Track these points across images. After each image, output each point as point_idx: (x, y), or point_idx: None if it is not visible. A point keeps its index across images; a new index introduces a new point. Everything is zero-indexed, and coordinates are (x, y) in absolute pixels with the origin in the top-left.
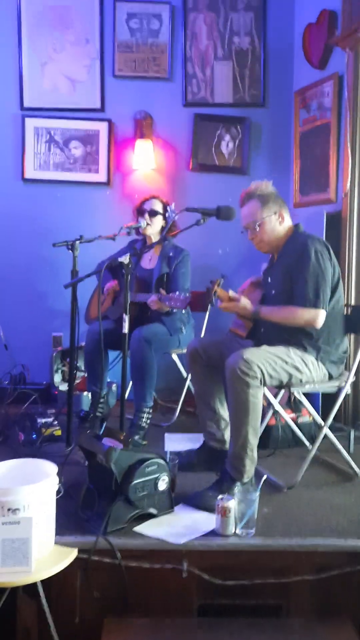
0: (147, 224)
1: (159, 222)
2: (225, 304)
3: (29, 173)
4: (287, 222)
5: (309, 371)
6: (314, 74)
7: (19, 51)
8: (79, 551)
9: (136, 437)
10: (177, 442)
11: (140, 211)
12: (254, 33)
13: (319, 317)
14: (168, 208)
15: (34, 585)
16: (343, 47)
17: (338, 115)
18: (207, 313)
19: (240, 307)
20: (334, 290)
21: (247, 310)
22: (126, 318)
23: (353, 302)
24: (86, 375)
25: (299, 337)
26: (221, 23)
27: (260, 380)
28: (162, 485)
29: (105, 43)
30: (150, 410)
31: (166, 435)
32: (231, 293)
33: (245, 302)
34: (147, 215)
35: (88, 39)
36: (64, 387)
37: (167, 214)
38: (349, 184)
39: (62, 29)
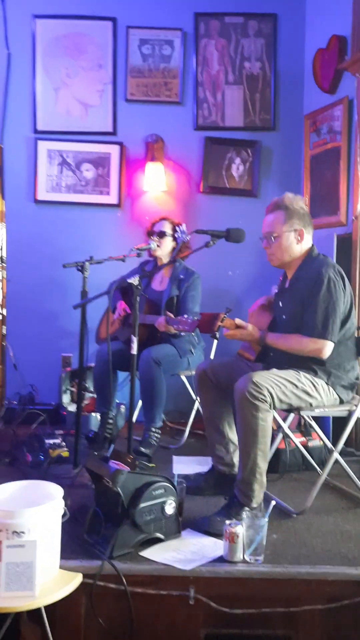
0: (157, 246)
1: (168, 243)
2: (231, 332)
3: (41, 195)
4: (306, 244)
5: (320, 396)
6: (324, 98)
7: (33, 77)
8: (84, 576)
9: (143, 449)
10: (186, 465)
11: (150, 233)
12: (264, 58)
13: (326, 348)
14: (178, 229)
15: (38, 610)
16: (353, 71)
17: (348, 138)
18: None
19: (247, 334)
20: (346, 319)
21: (253, 337)
22: (135, 339)
23: None
24: (95, 396)
25: (308, 361)
26: (232, 49)
27: (270, 404)
28: (170, 509)
29: (117, 68)
30: (159, 431)
31: (174, 457)
32: (237, 321)
33: (251, 330)
34: (156, 237)
35: (101, 64)
36: (72, 408)
37: (177, 235)
38: (359, 207)
39: (76, 55)
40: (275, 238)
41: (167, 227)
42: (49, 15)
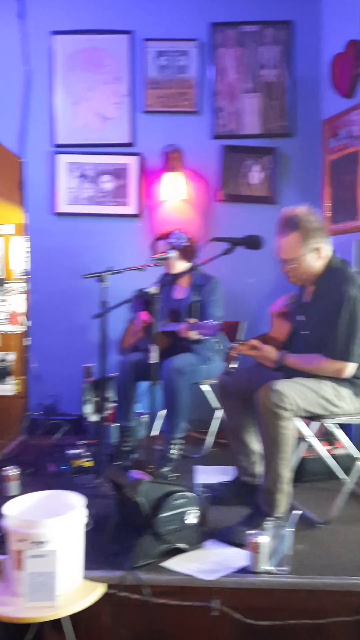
0: (169, 265)
1: (174, 257)
2: (247, 353)
3: (62, 207)
4: (324, 256)
5: (343, 404)
6: (342, 102)
7: (52, 92)
8: (108, 587)
9: (164, 470)
10: (209, 475)
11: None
12: (281, 65)
13: (347, 369)
14: (170, 238)
15: (62, 620)
16: None
17: None
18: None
19: (265, 356)
20: None
21: (271, 358)
22: (154, 348)
23: None
24: (116, 406)
25: None
26: (248, 57)
27: (293, 413)
28: (191, 519)
29: (135, 80)
30: (182, 442)
31: (198, 467)
32: (253, 342)
33: (268, 352)
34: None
35: (118, 77)
36: (94, 418)
37: (173, 244)
38: None
39: (94, 70)
40: (294, 261)
41: (163, 247)
42: (66, 31)
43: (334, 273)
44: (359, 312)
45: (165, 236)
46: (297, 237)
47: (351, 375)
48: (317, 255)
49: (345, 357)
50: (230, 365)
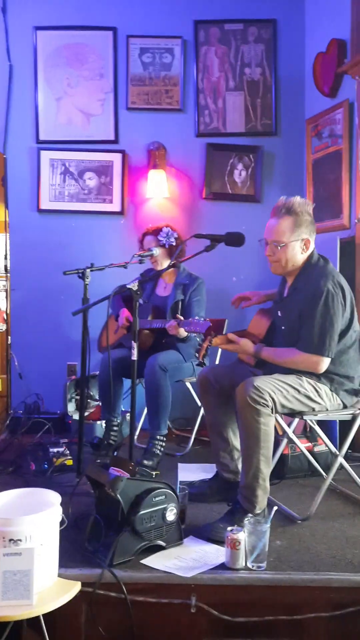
0: (155, 262)
1: (160, 254)
2: (223, 347)
3: (45, 204)
4: (309, 250)
5: (322, 401)
6: (325, 102)
7: (35, 87)
8: (84, 584)
9: (147, 462)
10: (191, 472)
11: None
12: (265, 64)
13: (322, 364)
14: (159, 237)
15: (38, 618)
16: (353, 74)
17: (350, 141)
18: None
19: (240, 349)
20: (347, 329)
21: (248, 351)
22: (135, 345)
23: None
24: (100, 403)
25: None
26: (232, 55)
27: (272, 409)
28: (171, 516)
29: (118, 77)
30: (164, 439)
31: (180, 465)
32: (230, 336)
33: (245, 345)
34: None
35: (102, 73)
36: (77, 416)
37: (161, 241)
38: None
39: (77, 66)
40: (282, 247)
41: (152, 243)
42: (49, 26)
43: (313, 268)
44: (335, 307)
45: (154, 232)
46: (291, 223)
47: (325, 370)
48: (304, 247)
49: (320, 351)
50: (202, 358)
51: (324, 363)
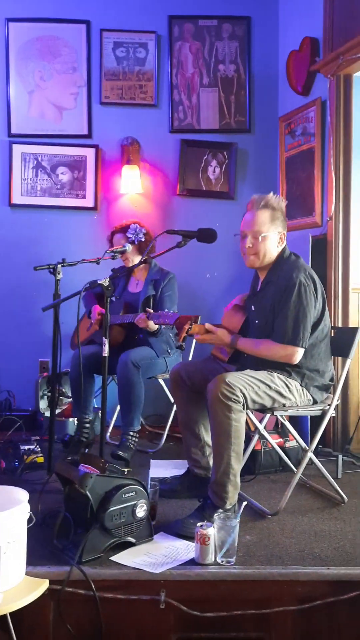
0: (127, 259)
1: (132, 251)
2: (201, 337)
3: (16, 199)
4: (283, 245)
5: (293, 396)
6: (298, 99)
7: (6, 79)
8: (52, 582)
9: (121, 453)
10: (163, 469)
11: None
12: (239, 61)
13: (296, 354)
14: (128, 234)
15: (4, 617)
16: (325, 73)
17: (322, 140)
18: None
19: (217, 339)
20: (318, 322)
21: (224, 342)
22: (106, 341)
23: (340, 325)
24: (72, 400)
25: (283, 363)
26: (206, 51)
27: (243, 405)
28: (141, 512)
29: (92, 71)
30: (137, 435)
31: (152, 461)
32: (207, 326)
33: (221, 335)
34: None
35: (75, 67)
36: (49, 413)
37: (130, 238)
38: (333, 208)
39: (49, 59)
40: (262, 238)
41: (121, 241)
42: (21, 18)
43: (285, 263)
44: (308, 298)
45: (122, 229)
46: (269, 215)
47: (299, 361)
48: (279, 240)
49: (295, 341)
50: (182, 340)
51: (299, 353)
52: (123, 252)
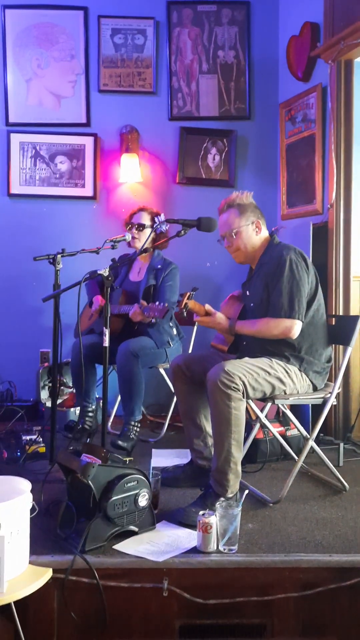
0: (134, 237)
1: (146, 235)
2: (201, 318)
3: (15, 188)
4: (264, 233)
5: (292, 382)
6: (298, 86)
7: (3, 67)
8: (56, 571)
9: (121, 443)
10: (165, 458)
11: (128, 224)
12: (238, 47)
13: (294, 327)
14: (157, 219)
15: (9, 606)
16: (325, 58)
17: (323, 126)
18: (195, 328)
19: (215, 322)
20: (311, 299)
21: (222, 325)
22: (106, 331)
23: (341, 313)
24: (74, 390)
25: (281, 348)
26: (205, 37)
27: (243, 393)
28: (143, 501)
29: (90, 58)
30: (139, 424)
31: (153, 451)
32: (207, 307)
33: (220, 317)
34: (134, 230)
35: (73, 54)
36: (50, 403)
37: (155, 225)
38: (334, 195)
39: (47, 46)
40: (236, 234)
41: (145, 219)
42: (18, 5)
43: (274, 247)
44: (300, 272)
45: (152, 212)
46: (234, 213)
47: (296, 340)
48: (256, 229)
49: (291, 314)
50: (182, 306)
51: (297, 326)
52: (123, 241)
